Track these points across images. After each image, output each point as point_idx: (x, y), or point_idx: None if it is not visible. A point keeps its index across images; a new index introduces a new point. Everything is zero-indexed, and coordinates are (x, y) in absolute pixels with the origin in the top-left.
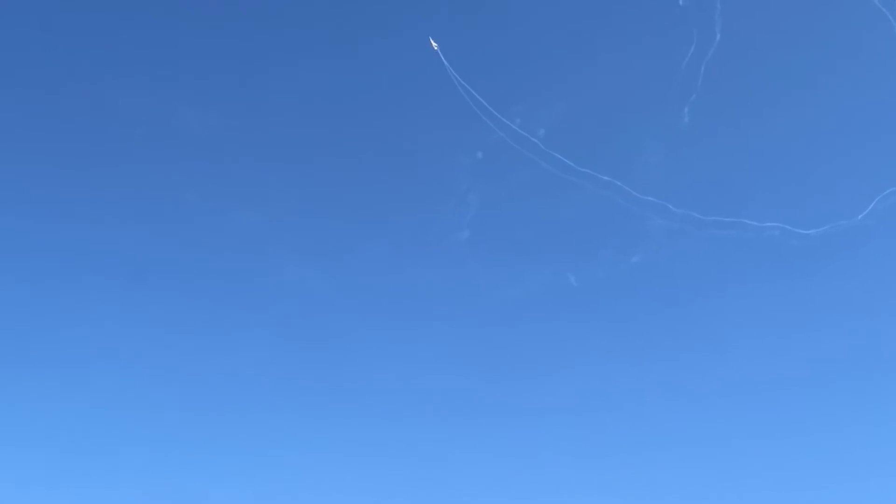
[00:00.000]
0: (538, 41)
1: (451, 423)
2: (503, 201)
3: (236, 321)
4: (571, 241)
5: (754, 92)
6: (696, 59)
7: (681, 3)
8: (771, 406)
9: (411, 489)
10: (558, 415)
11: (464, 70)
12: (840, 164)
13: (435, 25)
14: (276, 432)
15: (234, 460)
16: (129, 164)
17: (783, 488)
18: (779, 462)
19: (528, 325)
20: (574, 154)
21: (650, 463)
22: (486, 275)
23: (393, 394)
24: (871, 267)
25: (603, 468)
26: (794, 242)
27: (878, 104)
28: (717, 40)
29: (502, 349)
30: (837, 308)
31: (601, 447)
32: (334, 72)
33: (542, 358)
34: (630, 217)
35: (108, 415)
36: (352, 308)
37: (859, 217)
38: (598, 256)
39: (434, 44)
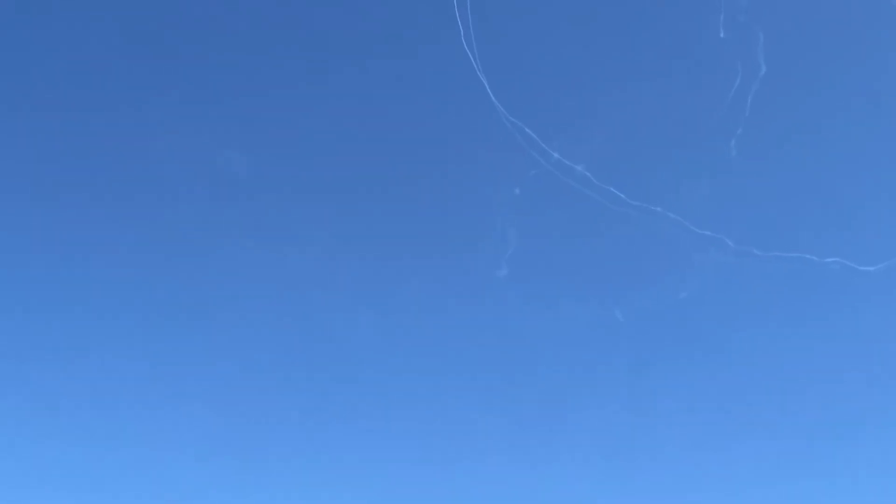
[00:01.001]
0: (576, 73)
1: (494, 463)
2: (543, 236)
3: (277, 363)
4: (617, 274)
5: (804, 123)
6: (741, 91)
7: (722, 35)
8: (833, 446)
9: None
10: (603, 454)
11: (500, 100)
12: None
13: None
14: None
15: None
16: (171, 204)
17: None
18: None
19: (571, 361)
20: (617, 186)
21: None
22: (526, 312)
23: (435, 437)
24: None
25: None
26: (854, 278)
27: None
28: (763, 73)
29: (544, 387)
30: None
31: (647, 490)
32: (370, 110)
33: (586, 395)
34: (679, 250)
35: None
36: (390, 350)
37: None
38: (646, 290)
39: None
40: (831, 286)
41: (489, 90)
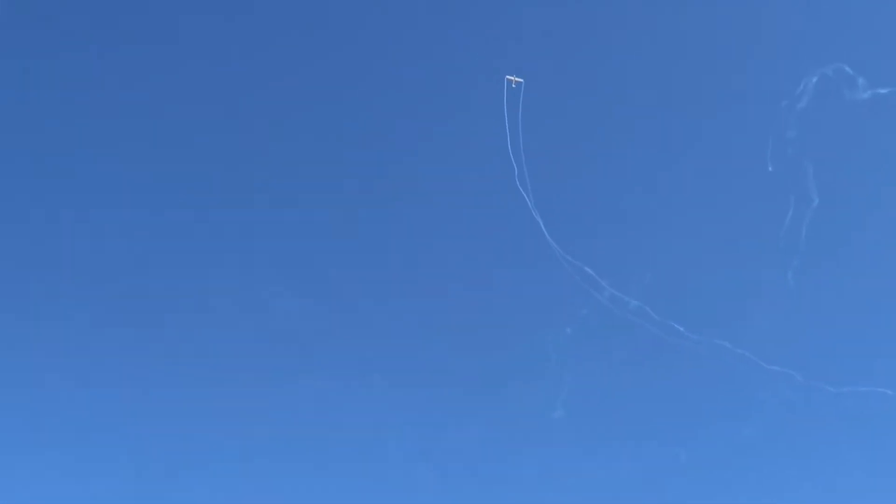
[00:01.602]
0: (629, 210)
1: None
2: (598, 376)
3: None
4: (679, 413)
5: (861, 252)
6: (795, 222)
7: (770, 169)
8: None
9: None
10: None
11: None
12: None
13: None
14: None
15: None
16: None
17: None
18: None
19: None
20: (676, 320)
21: None
22: (583, 455)
23: None
24: None
25: None
26: None
27: None
28: (816, 204)
29: None
30: None
31: None
32: (422, 252)
33: None
34: (746, 386)
35: None
36: (448, 496)
37: None
38: (711, 429)
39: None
40: None
41: (543, 228)
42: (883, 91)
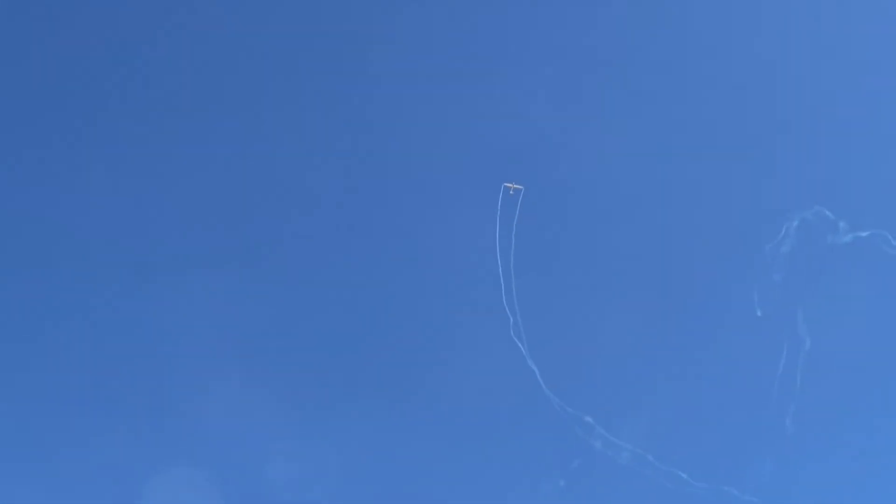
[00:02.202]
0: (623, 358)
1: None
2: None
3: None
4: None
5: (859, 394)
6: (789, 367)
7: (759, 314)
8: None
9: None
10: None
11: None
12: None
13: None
14: None
15: None
16: None
17: None
18: None
19: None
20: (677, 467)
21: None
22: None
23: None
24: None
25: None
26: None
27: None
28: (808, 347)
29: None
30: None
31: None
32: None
33: None
34: None
35: None
36: None
37: None
38: None
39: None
40: None
41: (539, 378)
42: (863, 234)
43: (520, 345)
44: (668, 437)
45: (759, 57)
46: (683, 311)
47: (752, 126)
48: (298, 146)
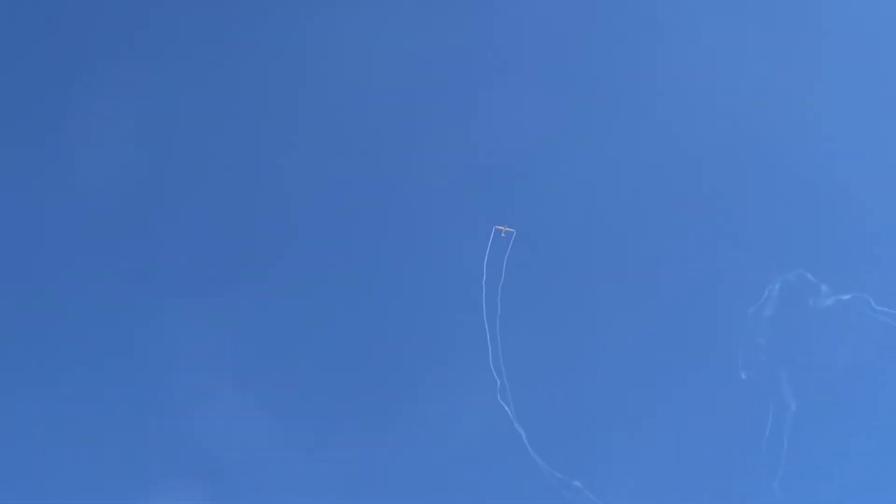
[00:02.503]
0: (608, 423)
1: None
2: None
3: None
4: None
5: (846, 455)
6: (776, 430)
7: (743, 377)
8: None
9: None
10: None
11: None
12: None
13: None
14: None
15: None
16: None
17: None
18: None
19: None
20: None
21: None
22: None
23: None
24: None
25: None
26: None
27: None
28: (794, 410)
29: None
30: None
31: None
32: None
33: None
34: None
35: None
36: None
37: None
38: None
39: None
40: None
41: (527, 442)
42: (845, 297)
43: (506, 408)
44: (656, 501)
45: (740, 119)
46: (669, 375)
47: (733, 189)
48: (287, 165)
